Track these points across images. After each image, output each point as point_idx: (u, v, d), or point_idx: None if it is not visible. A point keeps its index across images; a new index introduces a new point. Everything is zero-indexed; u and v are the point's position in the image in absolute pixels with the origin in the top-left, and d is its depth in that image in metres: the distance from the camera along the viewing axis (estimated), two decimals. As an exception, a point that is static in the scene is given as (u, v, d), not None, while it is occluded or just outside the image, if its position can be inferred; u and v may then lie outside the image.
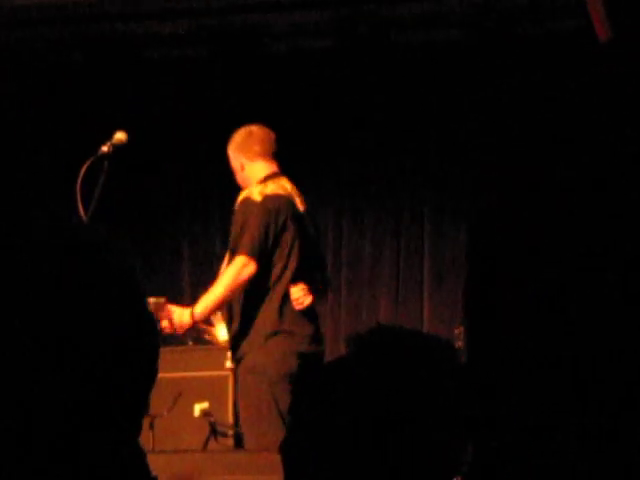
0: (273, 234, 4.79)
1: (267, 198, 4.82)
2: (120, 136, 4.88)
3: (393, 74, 6.86)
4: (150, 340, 1.03)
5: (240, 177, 5.00)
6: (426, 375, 1.50)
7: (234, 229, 4.87)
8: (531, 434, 0.67)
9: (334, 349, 6.93)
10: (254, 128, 5.00)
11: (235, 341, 4.93)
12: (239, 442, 5.62)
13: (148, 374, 1.03)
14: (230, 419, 5.74)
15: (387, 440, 1.43)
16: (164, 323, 4.82)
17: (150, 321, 1.04)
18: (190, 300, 7.28)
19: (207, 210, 7.34)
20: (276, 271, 4.81)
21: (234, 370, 5.15)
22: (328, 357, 6.25)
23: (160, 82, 7.03)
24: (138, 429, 1.03)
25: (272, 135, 5.00)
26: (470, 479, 0.69)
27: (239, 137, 5.00)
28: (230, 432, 5.69)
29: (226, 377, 5.76)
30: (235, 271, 4.75)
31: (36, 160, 6.70)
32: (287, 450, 1.49)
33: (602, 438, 0.64)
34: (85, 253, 1.02)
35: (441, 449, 1.47)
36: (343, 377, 1.50)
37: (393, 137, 7.02)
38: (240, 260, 4.75)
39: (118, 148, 4.85)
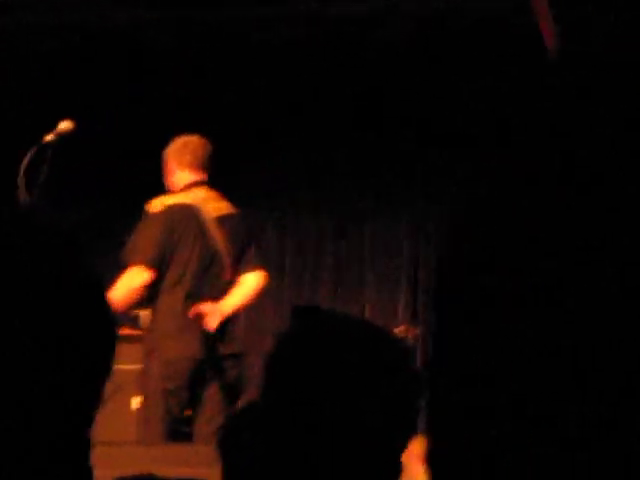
0: (168, 242, 5.05)
1: (166, 208, 5.11)
2: (65, 125, 4.88)
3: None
4: (109, 332, 1.03)
5: (168, 181, 5.26)
6: (365, 362, 1.51)
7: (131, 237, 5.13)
8: (530, 423, 0.69)
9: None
10: (192, 139, 5.27)
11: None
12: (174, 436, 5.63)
13: (106, 367, 1.03)
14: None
15: (325, 428, 1.44)
16: None
17: (108, 311, 1.04)
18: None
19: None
20: (174, 276, 5.07)
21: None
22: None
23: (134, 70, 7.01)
24: (91, 422, 1.04)
25: (207, 148, 5.26)
26: (468, 466, 0.71)
27: (175, 144, 5.27)
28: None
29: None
30: (128, 278, 5.00)
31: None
32: (224, 442, 1.50)
33: (601, 427, 0.66)
34: (39, 244, 1.02)
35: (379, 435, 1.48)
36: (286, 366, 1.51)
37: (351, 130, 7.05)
38: (133, 270, 5.00)
39: (63, 137, 4.85)
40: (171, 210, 5.09)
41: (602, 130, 0.65)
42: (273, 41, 6.80)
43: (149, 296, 5.10)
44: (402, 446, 1.51)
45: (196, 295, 5.07)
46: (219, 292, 5.13)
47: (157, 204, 5.14)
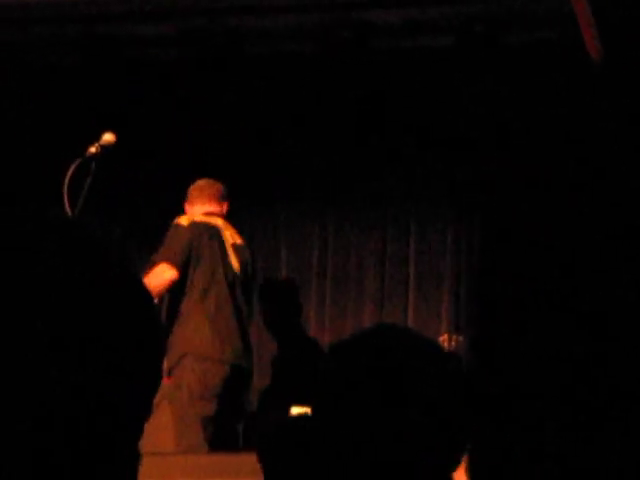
0: (194, 251, 5.40)
1: (194, 223, 5.48)
2: (108, 137, 4.89)
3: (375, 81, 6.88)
4: (157, 338, 1.02)
5: (188, 212, 5.73)
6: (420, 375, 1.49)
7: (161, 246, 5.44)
8: (575, 433, 0.68)
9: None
10: (200, 181, 5.76)
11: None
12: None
13: (155, 377, 1.02)
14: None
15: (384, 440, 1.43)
16: None
17: (156, 321, 1.03)
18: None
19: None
20: (203, 285, 5.41)
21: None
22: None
23: (145, 82, 7.04)
24: (141, 433, 1.03)
25: (216, 186, 5.72)
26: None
27: (198, 183, 5.79)
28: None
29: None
30: (156, 274, 5.28)
31: (24, 162, 6.68)
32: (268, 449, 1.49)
33: (617, 429, 0.66)
34: (90, 252, 1.01)
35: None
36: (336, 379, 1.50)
37: (375, 144, 7.04)
38: (161, 266, 5.30)
39: (106, 149, 4.86)
40: (197, 225, 5.48)
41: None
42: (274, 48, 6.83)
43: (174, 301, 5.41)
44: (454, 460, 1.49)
45: (223, 309, 5.39)
46: (239, 314, 5.44)
47: (184, 219, 5.50)
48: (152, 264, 5.35)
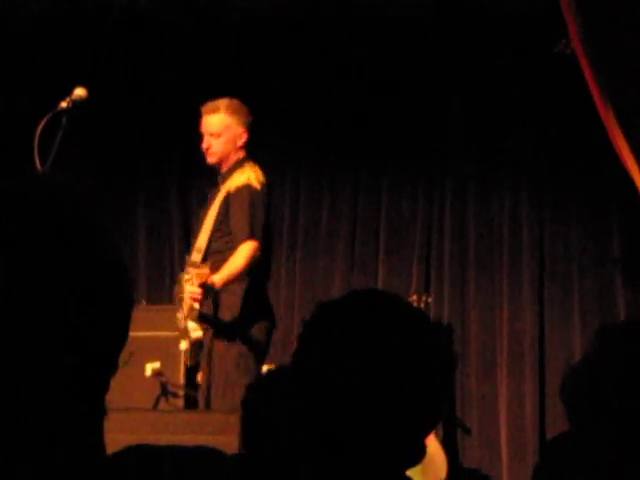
0: (266, 221, 5.17)
1: (263, 185, 5.17)
2: (80, 92, 4.84)
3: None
4: (126, 294, 1.02)
5: (223, 147, 5.24)
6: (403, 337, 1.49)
7: (237, 212, 5.11)
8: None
9: (289, 316, 6.97)
10: (239, 102, 5.26)
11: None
12: (189, 403, 5.65)
13: (122, 331, 1.02)
14: (181, 380, 5.75)
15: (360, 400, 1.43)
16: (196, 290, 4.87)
17: (125, 275, 1.03)
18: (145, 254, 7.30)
19: (164, 166, 7.34)
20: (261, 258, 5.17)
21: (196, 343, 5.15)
22: (283, 325, 6.29)
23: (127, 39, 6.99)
24: (107, 388, 1.03)
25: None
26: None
27: (237, 104, 5.26)
28: (181, 392, 5.70)
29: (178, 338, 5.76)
30: (249, 250, 5.03)
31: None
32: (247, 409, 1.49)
33: None
34: (61, 206, 1.00)
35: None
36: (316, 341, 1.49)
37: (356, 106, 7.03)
38: (252, 242, 5.04)
39: (77, 104, 4.81)
40: (267, 186, 5.21)
41: None
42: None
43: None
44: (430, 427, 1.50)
45: (267, 275, 5.30)
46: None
47: (253, 179, 5.18)
48: (238, 237, 5.10)
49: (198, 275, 4.86)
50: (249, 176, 5.17)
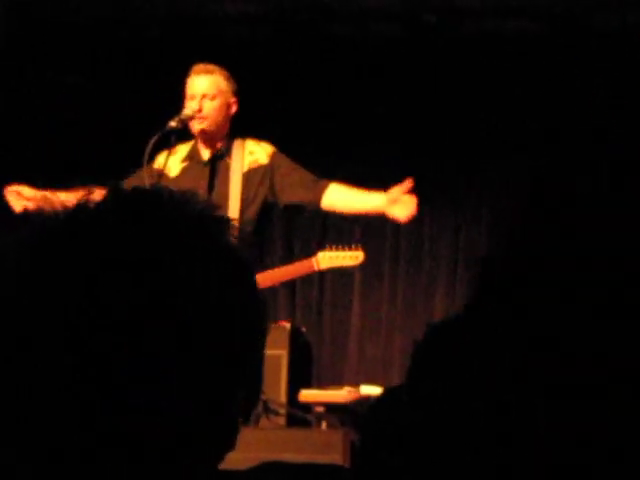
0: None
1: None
2: (188, 111, 4.80)
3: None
4: (262, 318, 0.99)
5: (217, 112, 4.83)
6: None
7: (294, 170, 4.84)
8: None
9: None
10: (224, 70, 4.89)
11: None
12: (291, 421, 5.65)
13: (259, 357, 0.99)
14: (283, 398, 5.75)
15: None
16: None
17: (261, 300, 0.99)
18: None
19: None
20: None
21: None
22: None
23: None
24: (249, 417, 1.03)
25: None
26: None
27: (228, 72, 4.87)
28: (282, 411, 5.70)
29: (280, 356, 5.76)
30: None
31: (104, 135, 6.71)
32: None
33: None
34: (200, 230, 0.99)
35: None
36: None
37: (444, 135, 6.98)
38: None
39: (186, 123, 4.79)
40: None
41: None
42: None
43: None
44: None
45: None
46: None
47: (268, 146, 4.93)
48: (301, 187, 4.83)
49: None
50: (267, 145, 4.90)
